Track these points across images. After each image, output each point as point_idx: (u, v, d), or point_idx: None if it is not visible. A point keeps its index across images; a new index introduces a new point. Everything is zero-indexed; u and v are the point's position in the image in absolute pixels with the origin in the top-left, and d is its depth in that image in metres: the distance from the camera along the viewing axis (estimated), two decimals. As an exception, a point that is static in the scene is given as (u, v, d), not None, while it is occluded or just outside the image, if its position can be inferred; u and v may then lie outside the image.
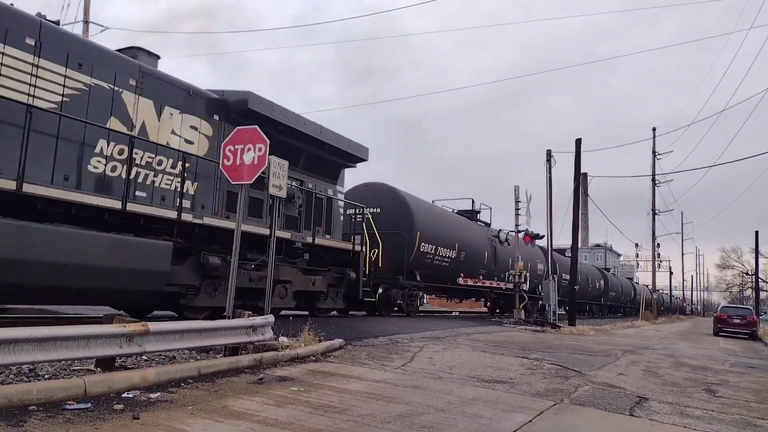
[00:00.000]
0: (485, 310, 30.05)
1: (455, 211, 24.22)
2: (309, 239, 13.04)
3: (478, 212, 25.47)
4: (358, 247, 14.99)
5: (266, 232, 10.74)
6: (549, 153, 24.46)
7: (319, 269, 13.75)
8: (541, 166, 24.53)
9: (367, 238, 15.96)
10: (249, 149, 7.95)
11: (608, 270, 52.44)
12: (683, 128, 77.32)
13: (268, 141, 7.96)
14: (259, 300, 10.84)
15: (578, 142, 24.19)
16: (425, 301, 34.74)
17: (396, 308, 18.21)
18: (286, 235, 12.08)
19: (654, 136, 45.17)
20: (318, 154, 13.76)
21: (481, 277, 23.23)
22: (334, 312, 16.04)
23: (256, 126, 8.15)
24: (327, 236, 14.11)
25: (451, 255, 20.60)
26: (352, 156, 14.93)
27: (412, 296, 18.55)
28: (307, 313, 14.12)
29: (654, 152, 45.18)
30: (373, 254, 16.59)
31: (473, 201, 25.49)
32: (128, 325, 5.76)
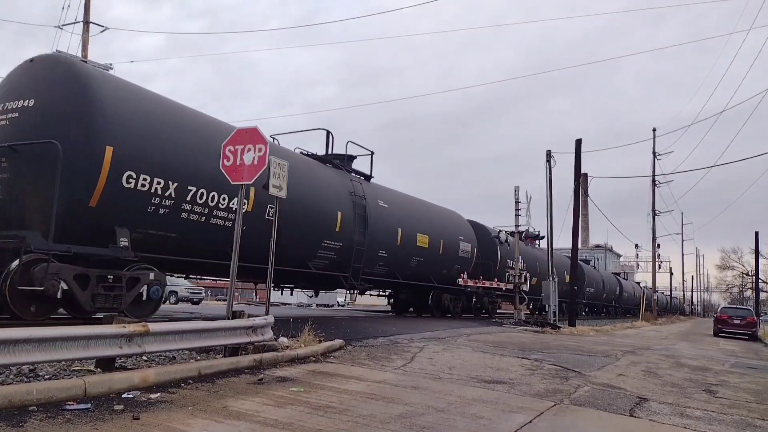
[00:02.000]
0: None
1: (308, 154, 15.95)
2: None
3: (352, 158, 17.38)
4: None
5: None
6: (549, 153, 24.47)
7: None
8: (543, 167, 24.54)
9: None
10: (249, 149, 7.97)
11: (588, 262, 43.13)
12: (683, 129, 77.29)
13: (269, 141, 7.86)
14: None
15: (578, 142, 24.21)
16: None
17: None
18: None
19: (654, 137, 45.14)
20: None
21: (325, 252, 14.33)
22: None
23: (257, 126, 8.16)
24: None
25: (218, 204, 10.81)
26: None
27: (120, 280, 9.24)
28: (308, 313, 13.86)
29: (654, 153, 45.15)
30: None
31: (330, 134, 16.48)
32: (128, 326, 5.76)
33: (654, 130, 45.07)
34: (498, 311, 27.63)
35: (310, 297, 26.61)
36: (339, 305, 38.93)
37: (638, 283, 61.62)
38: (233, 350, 7.42)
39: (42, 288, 8.11)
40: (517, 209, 24.01)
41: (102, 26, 23.59)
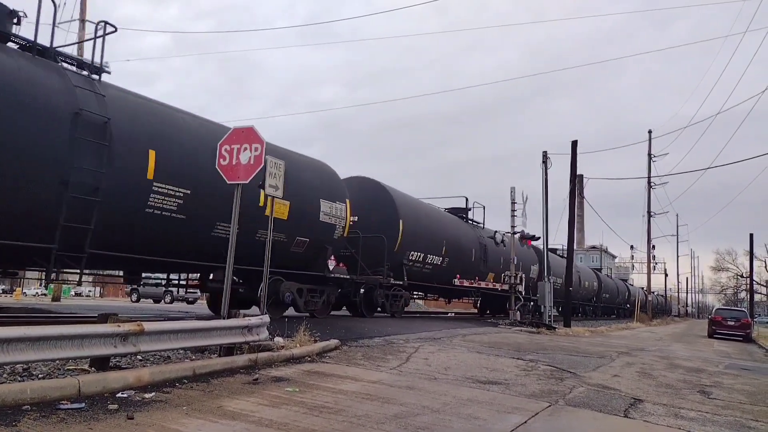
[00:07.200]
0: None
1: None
2: None
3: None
4: None
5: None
6: (545, 155, 24.49)
7: None
8: (541, 168, 24.52)
9: None
10: (245, 149, 7.94)
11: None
12: (679, 131, 77.54)
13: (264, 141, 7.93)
14: None
15: (574, 144, 24.24)
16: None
17: None
18: None
19: (650, 139, 45.30)
20: None
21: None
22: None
23: (253, 125, 8.15)
24: None
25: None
26: None
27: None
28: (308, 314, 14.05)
29: (650, 155, 45.31)
30: None
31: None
32: (123, 325, 5.74)
33: (650, 132, 45.26)
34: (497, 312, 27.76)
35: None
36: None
37: (598, 270, 55.48)
38: (228, 350, 7.40)
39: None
40: (513, 210, 24.04)
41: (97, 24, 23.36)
